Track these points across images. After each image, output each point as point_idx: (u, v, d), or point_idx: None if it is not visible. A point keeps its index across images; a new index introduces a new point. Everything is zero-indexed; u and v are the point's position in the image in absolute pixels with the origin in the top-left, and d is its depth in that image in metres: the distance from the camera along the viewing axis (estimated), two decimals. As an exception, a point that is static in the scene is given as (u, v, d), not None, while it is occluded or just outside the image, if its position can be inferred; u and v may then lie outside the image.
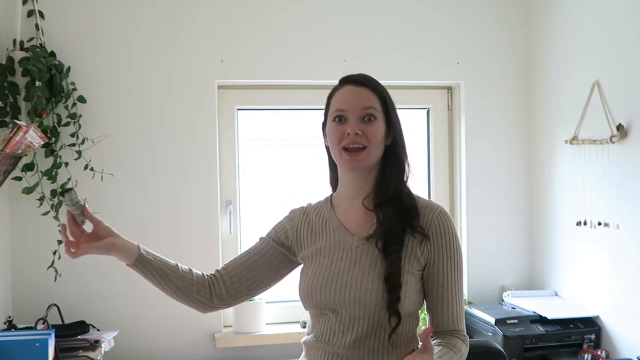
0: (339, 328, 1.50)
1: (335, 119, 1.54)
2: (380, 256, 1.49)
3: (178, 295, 1.59)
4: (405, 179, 1.58)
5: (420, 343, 1.38)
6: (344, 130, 1.51)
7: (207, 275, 1.63)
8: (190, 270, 1.62)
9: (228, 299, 1.62)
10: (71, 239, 1.51)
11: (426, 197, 1.61)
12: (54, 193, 2.60)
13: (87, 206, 1.52)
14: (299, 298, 1.59)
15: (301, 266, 1.63)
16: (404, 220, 1.51)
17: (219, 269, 1.66)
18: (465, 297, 2.95)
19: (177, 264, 1.60)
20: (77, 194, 1.51)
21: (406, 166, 1.58)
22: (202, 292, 1.60)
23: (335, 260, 1.53)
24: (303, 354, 1.61)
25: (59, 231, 2.59)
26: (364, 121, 1.52)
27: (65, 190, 1.50)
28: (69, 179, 2.62)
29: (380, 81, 1.60)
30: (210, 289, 1.61)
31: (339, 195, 1.63)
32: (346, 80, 1.58)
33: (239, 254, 1.69)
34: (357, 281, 1.48)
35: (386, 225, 1.50)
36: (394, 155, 1.56)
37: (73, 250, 1.51)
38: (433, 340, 1.50)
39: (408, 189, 1.58)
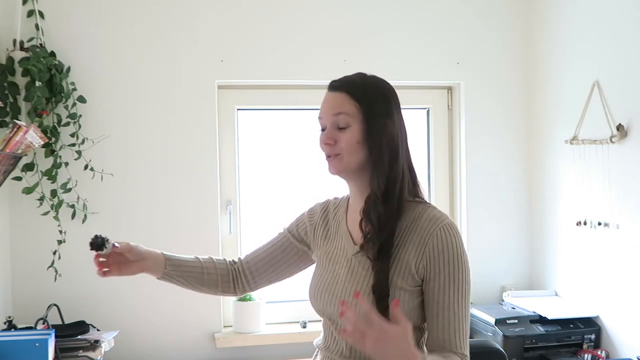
0: (337, 335, 1.48)
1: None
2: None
3: (204, 293, 1.70)
4: (394, 186, 1.43)
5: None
6: (322, 139, 1.46)
7: (229, 265, 1.69)
8: (215, 266, 1.67)
9: (249, 289, 1.71)
10: (101, 260, 1.55)
11: (436, 207, 1.48)
12: (54, 193, 2.60)
13: (116, 244, 1.53)
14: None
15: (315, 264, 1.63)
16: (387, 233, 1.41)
17: (242, 258, 1.71)
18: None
19: (201, 266, 1.65)
20: (109, 241, 1.51)
21: (392, 172, 1.43)
22: (226, 289, 1.69)
23: (337, 267, 1.51)
24: (316, 355, 1.59)
25: (59, 231, 2.60)
26: (337, 128, 1.43)
27: (100, 245, 1.49)
28: (69, 182, 2.63)
29: None
30: (233, 284, 1.69)
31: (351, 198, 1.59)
32: (328, 86, 1.49)
33: (262, 244, 1.72)
34: (350, 291, 1.44)
35: (371, 238, 1.42)
36: (378, 161, 1.43)
37: (105, 270, 1.55)
38: (429, 354, 1.40)
39: (395, 199, 1.43)
